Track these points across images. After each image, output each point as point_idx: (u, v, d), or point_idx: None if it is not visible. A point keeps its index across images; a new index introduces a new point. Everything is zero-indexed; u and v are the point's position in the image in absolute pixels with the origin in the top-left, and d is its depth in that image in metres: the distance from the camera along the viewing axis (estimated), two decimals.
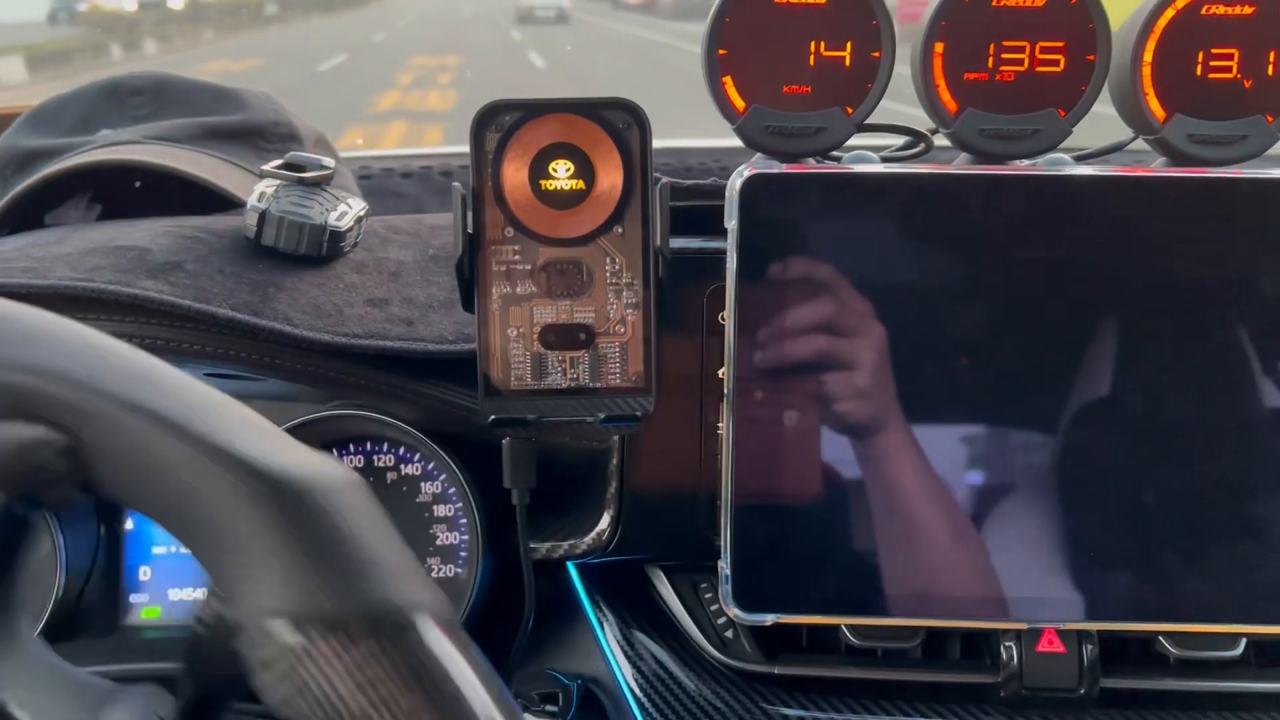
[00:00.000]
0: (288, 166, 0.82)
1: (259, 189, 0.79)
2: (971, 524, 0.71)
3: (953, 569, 0.71)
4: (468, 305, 0.63)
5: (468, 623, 0.83)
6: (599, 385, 0.63)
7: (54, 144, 1.00)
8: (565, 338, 0.63)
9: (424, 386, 0.74)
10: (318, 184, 0.82)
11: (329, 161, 0.83)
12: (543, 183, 0.62)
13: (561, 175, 0.62)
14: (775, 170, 0.69)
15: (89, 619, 0.88)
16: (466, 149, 1.42)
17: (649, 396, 0.63)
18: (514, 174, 0.62)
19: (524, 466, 0.65)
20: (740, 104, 0.72)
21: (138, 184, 1.08)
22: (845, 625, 0.75)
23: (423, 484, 0.90)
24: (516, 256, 0.62)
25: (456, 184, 0.61)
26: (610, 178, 0.62)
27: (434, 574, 0.89)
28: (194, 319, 0.69)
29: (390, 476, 0.90)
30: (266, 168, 0.81)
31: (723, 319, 0.73)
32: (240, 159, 1.02)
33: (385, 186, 1.34)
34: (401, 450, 0.90)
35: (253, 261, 0.75)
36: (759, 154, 0.77)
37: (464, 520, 0.90)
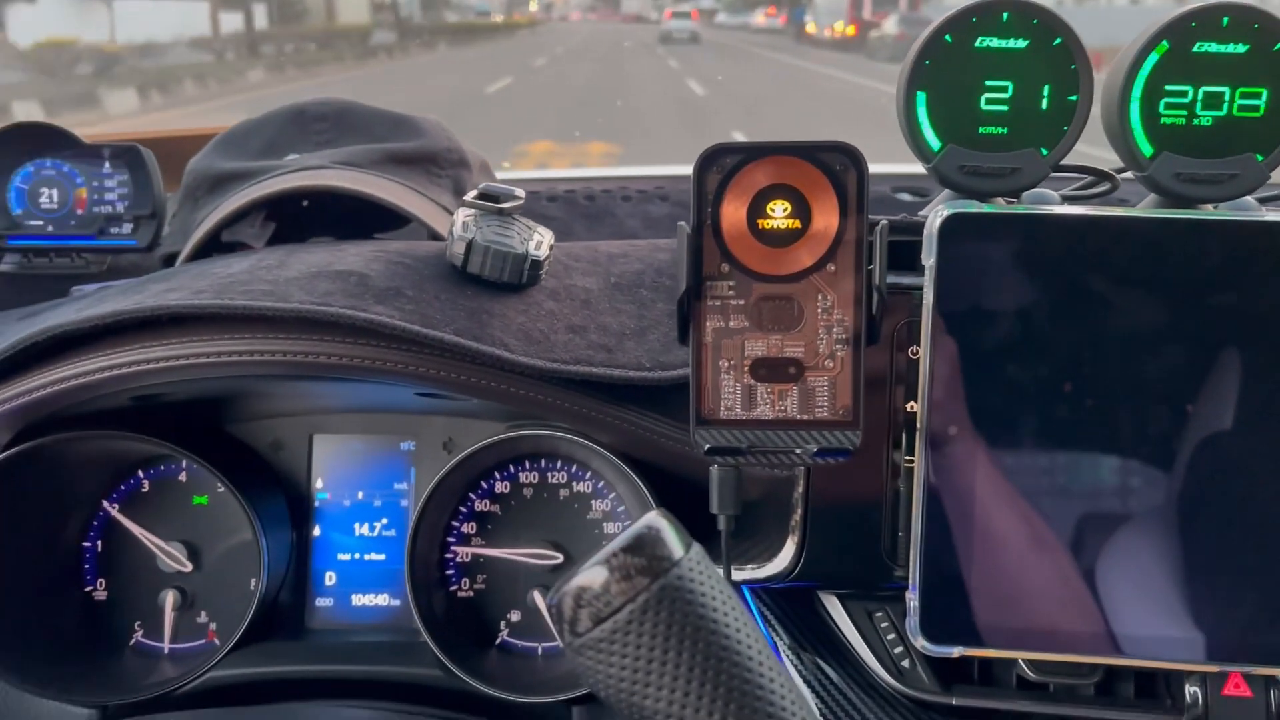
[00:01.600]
0: (482, 196, 0.86)
1: (460, 218, 0.83)
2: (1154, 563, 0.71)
3: (1137, 607, 0.71)
4: (684, 338, 0.65)
5: None
6: (806, 418, 0.65)
7: (245, 167, 1.06)
8: (775, 371, 0.65)
9: (622, 412, 0.77)
10: (510, 213, 0.86)
11: (519, 192, 0.87)
12: (760, 221, 0.64)
13: (779, 215, 0.64)
14: (976, 210, 0.70)
15: (279, 621, 0.93)
16: (610, 171, 1.47)
17: (856, 431, 0.65)
18: (733, 213, 0.64)
19: (731, 493, 0.67)
20: (936, 143, 0.73)
21: (305, 204, 1.13)
22: (1023, 660, 0.76)
23: (593, 501, 0.94)
24: (731, 291, 0.65)
25: (682, 224, 0.64)
26: (826, 218, 0.64)
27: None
28: (420, 343, 0.73)
29: (563, 493, 0.93)
30: (468, 198, 0.85)
31: (913, 353, 0.75)
32: (415, 183, 1.07)
33: (533, 209, 1.39)
34: (574, 468, 0.93)
35: (461, 288, 0.79)
36: (948, 191, 0.79)
37: None
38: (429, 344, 0.73)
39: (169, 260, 1.11)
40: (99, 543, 0.92)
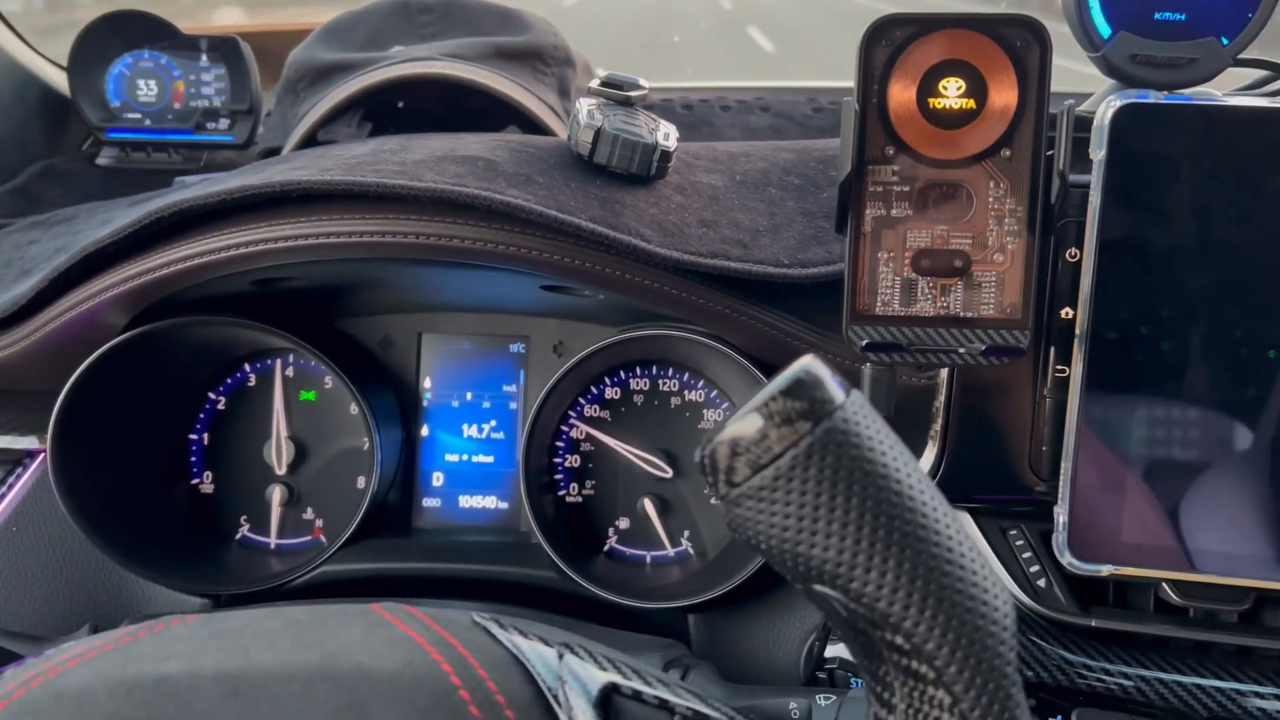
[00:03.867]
0: (607, 84, 0.81)
1: (584, 107, 0.79)
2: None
3: None
4: (841, 226, 0.61)
5: (738, 556, 0.83)
6: (971, 315, 0.61)
7: (349, 58, 1.03)
8: (939, 264, 0.61)
9: (759, 310, 0.73)
10: (635, 104, 0.82)
11: (644, 82, 0.83)
12: (931, 101, 0.60)
13: (952, 93, 0.59)
14: (1153, 100, 0.65)
15: (389, 519, 0.91)
16: (707, 83, 1.41)
17: (1026, 330, 0.61)
18: (901, 91, 0.60)
19: (884, 395, 0.63)
20: (1106, 29, 0.68)
21: (400, 104, 1.10)
22: (1169, 582, 0.72)
23: (705, 410, 0.90)
24: (895, 177, 0.60)
25: (848, 99, 0.59)
26: (1004, 97, 0.59)
27: (713, 500, 0.90)
28: (556, 229, 0.70)
29: (674, 401, 0.90)
30: (592, 85, 0.80)
31: (1071, 255, 0.70)
32: (521, 79, 1.03)
33: None
34: (686, 376, 0.90)
35: (590, 177, 0.75)
36: (1111, 83, 0.73)
37: None
38: (565, 230, 0.70)
39: (268, 155, 1.08)
40: (205, 435, 0.91)
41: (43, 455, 0.83)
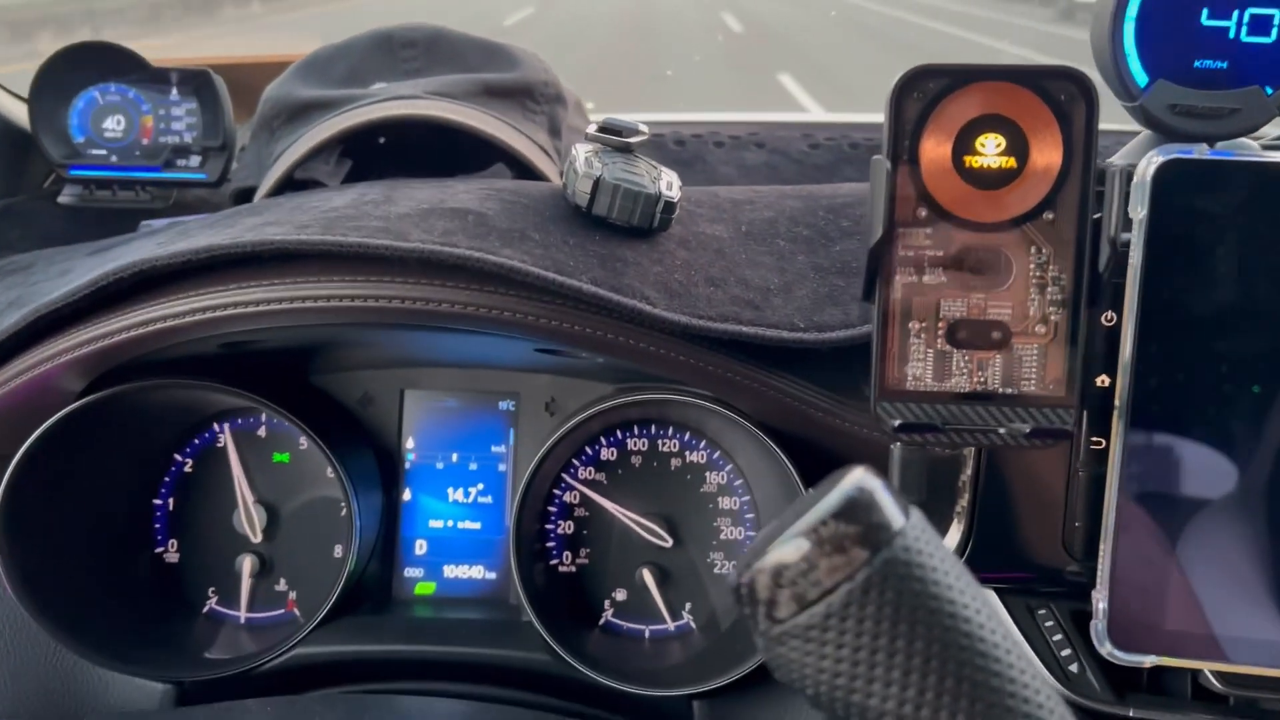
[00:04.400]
0: (604, 129, 0.76)
1: (581, 154, 0.74)
2: None
3: None
4: (869, 293, 0.56)
5: (746, 635, 0.78)
6: (1011, 391, 0.56)
7: (328, 95, 0.97)
8: (976, 335, 0.56)
9: (770, 377, 0.68)
10: (634, 150, 0.77)
11: (643, 126, 0.78)
12: (967, 159, 0.55)
13: (990, 151, 0.54)
14: (1198, 156, 0.60)
15: (368, 591, 0.85)
16: (698, 116, 1.37)
17: (1071, 408, 0.56)
18: (934, 148, 0.55)
19: (916, 477, 0.58)
20: (1143, 77, 0.64)
21: (381, 140, 1.04)
22: (1212, 671, 0.67)
23: (708, 473, 0.85)
24: (928, 241, 0.55)
25: (879, 157, 0.54)
26: (1047, 156, 0.54)
27: (716, 569, 0.84)
28: (554, 291, 0.64)
29: (674, 463, 0.85)
30: (589, 131, 0.75)
31: (1107, 320, 0.65)
32: (509, 118, 0.98)
33: None
34: (686, 436, 0.85)
35: (589, 232, 0.70)
36: (1146, 134, 0.69)
37: (750, 515, 0.84)
38: (564, 293, 0.64)
39: (241, 195, 1.02)
40: (170, 500, 0.84)
41: None
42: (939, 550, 0.34)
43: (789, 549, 0.33)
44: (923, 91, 0.54)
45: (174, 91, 1.10)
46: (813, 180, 1.22)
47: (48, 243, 0.97)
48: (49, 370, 0.67)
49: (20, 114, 1.13)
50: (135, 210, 1.09)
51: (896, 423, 0.56)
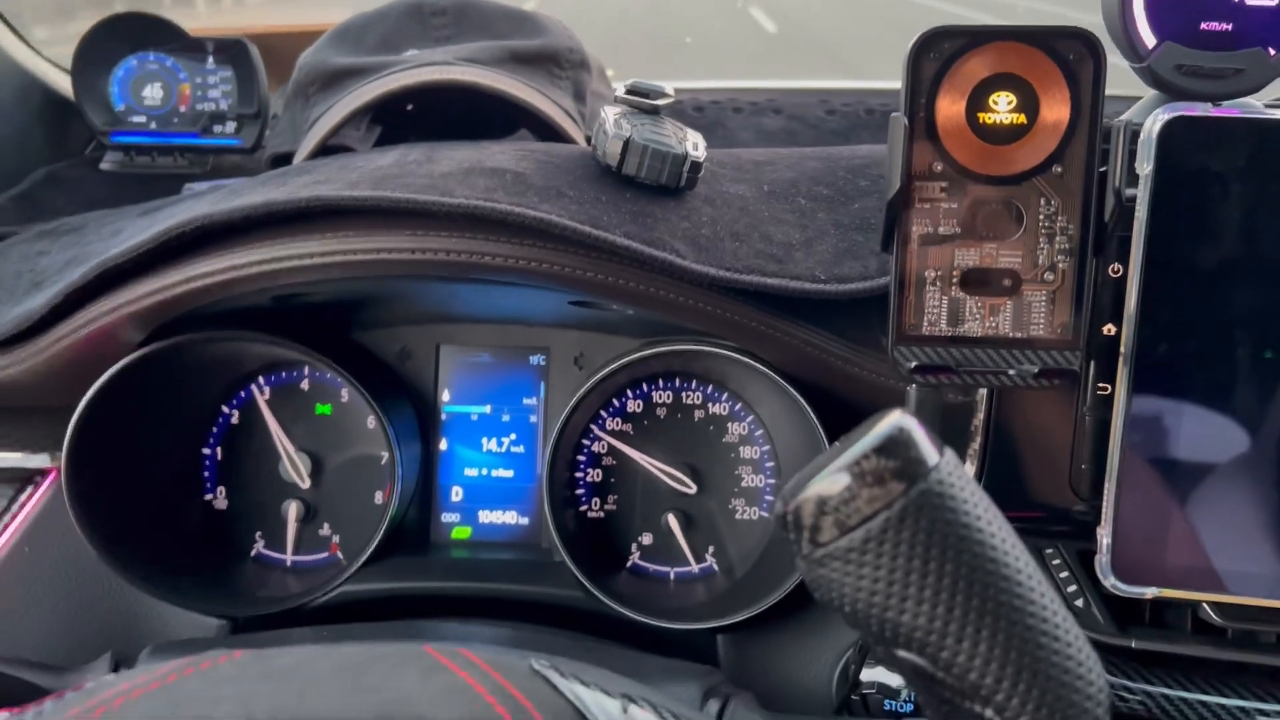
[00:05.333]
0: (632, 92, 0.79)
1: (610, 116, 0.77)
2: None
3: None
4: (887, 244, 0.60)
5: (775, 572, 0.82)
6: (1020, 335, 0.60)
7: (362, 62, 1.00)
8: (988, 283, 0.59)
9: (793, 327, 0.72)
10: (661, 112, 0.80)
11: (670, 89, 0.81)
12: (980, 116, 0.58)
13: (1002, 108, 0.58)
14: (1201, 113, 0.63)
15: (407, 535, 0.89)
16: (717, 83, 1.39)
17: (1077, 350, 0.59)
18: (949, 105, 0.58)
19: (931, 418, 0.62)
20: (1151, 39, 0.66)
21: (409, 107, 1.08)
22: (1209, 603, 0.71)
23: (730, 424, 0.89)
24: (943, 194, 0.59)
25: (896, 115, 0.57)
26: (1056, 112, 0.58)
27: (737, 516, 0.88)
28: (590, 245, 0.68)
29: (698, 414, 0.89)
30: (619, 93, 0.79)
31: (1114, 271, 0.69)
32: (537, 83, 1.01)
33: None
34: (709, 388, 0.88)
35: (620, 190, 0.73)
36: (1154, 94, 0.72)
37: (770, 464, 0.88)
38: (599, 246, 0.68)
39: (278, 160, 1.06)
40: (218, 450, 0.89)
41: (54, 474, 0.81)
42: (969, 485, 0.38)
43: (833, 481, 0.37)
44: (938, 52, 0.58)
45: (210, 60, 1.14)
46: (829, 144, 1.25)
47: (91, 206, 1.01)
48: (112, 321, 0.71)
49: (62, 83, 1.17)
50: (174, 175, 1.13)
51: (913, 365, 0.59)
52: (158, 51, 1.13)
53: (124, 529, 0.78)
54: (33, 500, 0.80)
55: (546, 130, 0.98)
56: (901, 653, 0.38)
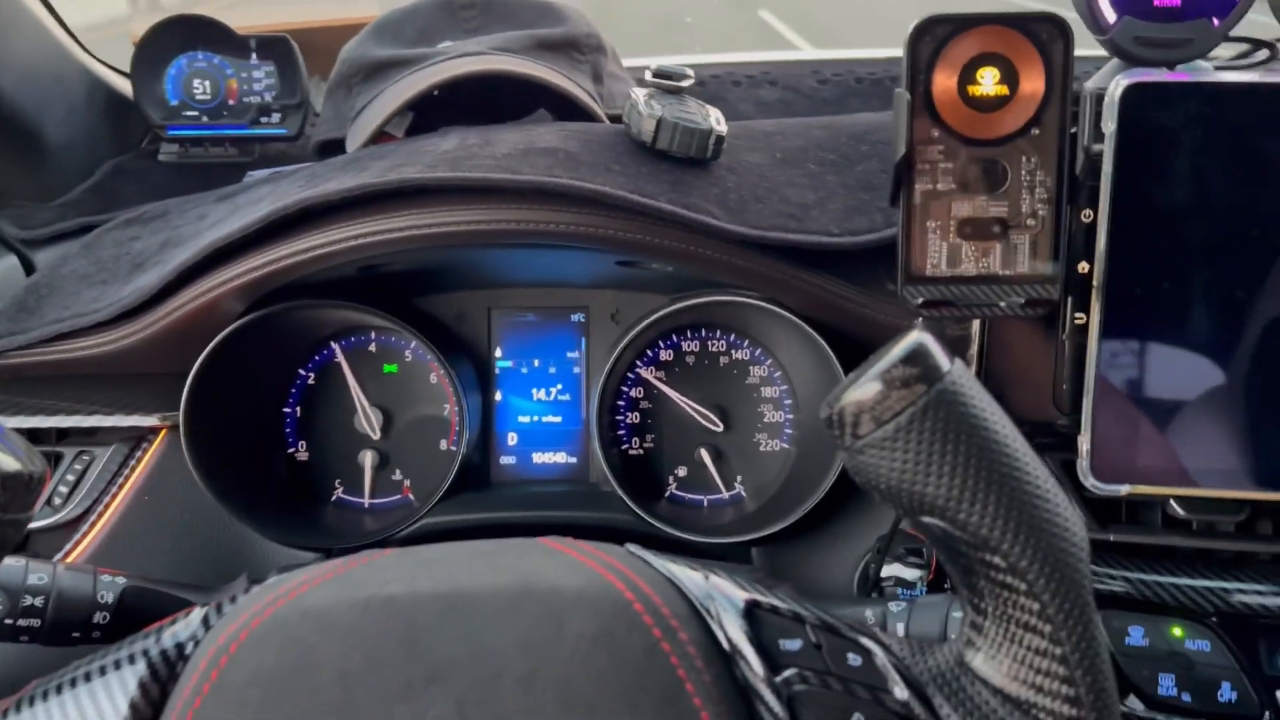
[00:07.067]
0: (659, 75, 0.90)
1: (639, 97, 0.88)
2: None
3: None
4: (895, 199, 0.71)
5: (798, 494, 0.93)
6: (1009, 273, 0.71)
7: (402, 54, 1.10)
8: (980, 230, 0.71)
9: (813, 276, 0.83)
10: (683, 92, 0.91)
11: (690, 70, 0.91)
12: (970, 88, 0.69)
13: (988, 81, 0.69)
14: (1157, 79, 0.74)
15: (469, 475, 1.01)
16: (713, 57, 1.49)
17: (1056, 283, 0.71)
18: (944, 80, 0.69)
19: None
20: (1112, 15, 0.77)
21: (435, 92, 1.18)
22: (1176, 498, 0.83)
23: (751, 367, 1.00)
24: (940, 155, 0.70)
25: (900, 90, 0.68)
26: (1033, 84, 0.69)
27: (762, 448, 1.00)
28: (640, 211, 0.79)
29: (723, 360, 1.00)
30: (647, 77, 0.89)
31: (1085, 216, 0.80)
32: (560, 68, 1.11)
33: None
34: (732, 337, 1.00)
35: (656, 163, 0.84)
36: (1115, 61, 0.83)
37: (789, 401, 1.00)
38: (648, 212, 0.79)
39: (325, 146, 1.15)
40: (298, 409, 0.99)
41: (162, 432, 0.92)
42: (975, 384, 0.48)
43: (865, 388, 0.46)
44: (933, 35, 0.69)
45: (253, 56, 1.23)
46: (822, 112, 1.35)
47: (155, 195, 1.11)
48: (223, 293, 0.82)
49: (117, 83, 1.26)
50: (225, 164, 1.23)
51: (920, 300, 0.71)
52: (205, 50, 1.22)
53: (229, 478, 0.89)
54: (148, 456, 0.91)
55: (563, 110, 1.08)
56: (927, 519, 0.48)
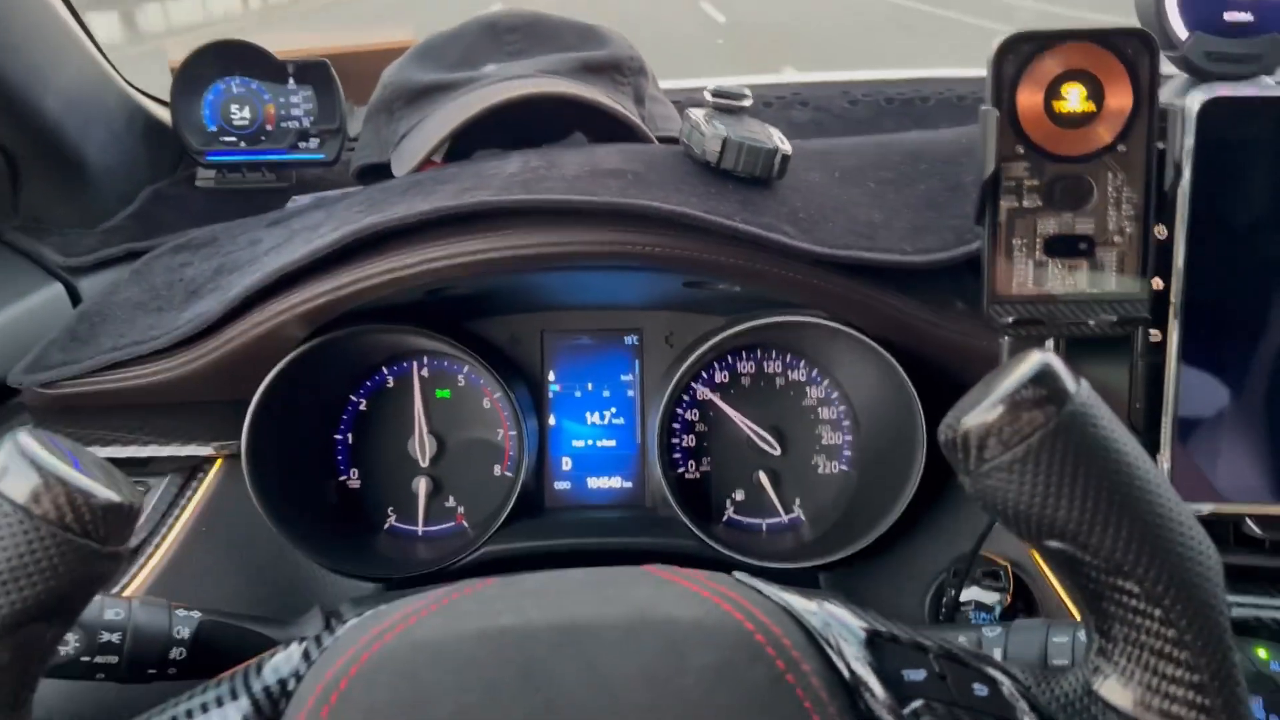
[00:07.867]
0: (719, 96, 0.90)
1: (699, 118, 0.87)
2: None
3: None
4: (980, 217, 0.70)
5: (863, 518, 0.92)
6: (1096, 291, 0.70)
7: (445, 79, 1.09)
8: (1067, 247, 0.70)
9: (884, 294, 0.82)
10: (742, 113, 0.90)
11: (747, 91, 0.91)
12: (1055, 104, 0.68)
13: (1073, 98, 0.68)
14: (1236, 93, 0.74)
15: (523, 501, 0.99)
16: (737, 80, 1.50)
17: (1144, 300, 0.70)
18: (1029, 97, 0.68)
19: None
20: (1183, 31, 0.77)
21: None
22: (1251, 517, 0.82)
23: (808, 388, 0.99)
24: (1025, 172, 0.69)
25: (986, 108, 0.68)
26: (1119, 100, 0.68)
27: (820, 471, 0.98)
28: (715, 231, 0.78)
29: (779, 381, 0.99)
30: (707, 98, 0.88)
31: (1160, 233, 0.80)
32: (604, 90, 1.11)
33: None
34: (789, 357, 0.99)
35: (723, 183, 0.83)
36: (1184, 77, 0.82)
37: (847, 422, 0.99)
38: (723, 232, 0.78)
39: (365, 172, 1.14)
40: (349, 435, 0.98)
41: (218, 461, 0.90)
42: (1102, 405, 0.47)
43: (990, 411, 0.45)
44: (1018, 52, 0.68)
45: (291, 81, 1.23)
46: (856, 132, 1.35)
47: (195, 221, 1.10)
48: (287, 319, 0.80)
49: (154, 109, 1.25)
50: (262, 189, 1.22)
51: (1009, 320, 0.70)
52: (243, 75, 1.21)
53: (288, 507, 0.88)
54: (204, 486, 0.89)
55: (598, 132, 1.07)
56: (1052, 543, 0.47)
